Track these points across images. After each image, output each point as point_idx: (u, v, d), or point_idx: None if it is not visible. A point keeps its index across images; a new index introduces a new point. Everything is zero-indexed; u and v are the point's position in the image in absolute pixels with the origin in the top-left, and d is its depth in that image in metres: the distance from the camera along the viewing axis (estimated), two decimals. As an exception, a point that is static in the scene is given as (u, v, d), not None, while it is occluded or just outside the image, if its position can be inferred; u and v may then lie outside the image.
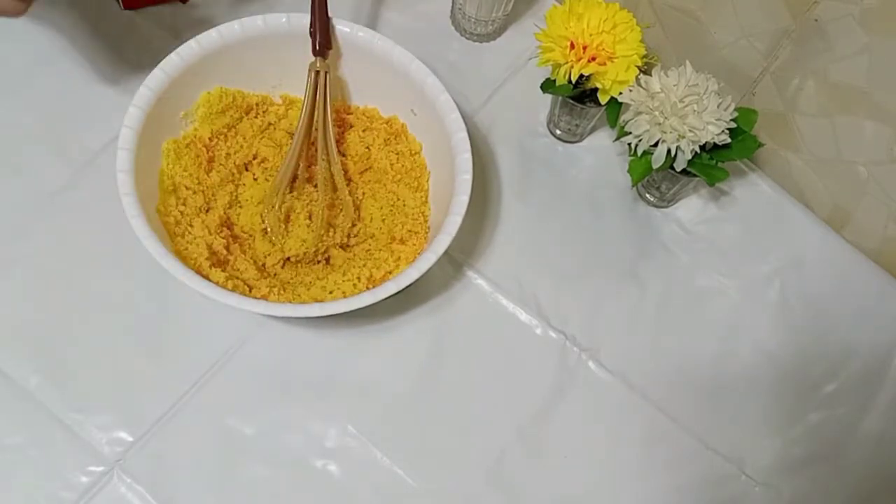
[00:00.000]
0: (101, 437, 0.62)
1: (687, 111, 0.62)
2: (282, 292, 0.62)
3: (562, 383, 0.68)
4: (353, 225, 0.68)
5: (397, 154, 0.70)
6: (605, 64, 0.65)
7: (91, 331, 0.65)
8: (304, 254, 0.65)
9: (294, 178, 0.68)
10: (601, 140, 0.77)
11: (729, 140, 0.64)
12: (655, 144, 0.64)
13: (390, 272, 0.64)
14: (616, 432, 0.68)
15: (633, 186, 0.75)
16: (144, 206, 0.59)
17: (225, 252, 0.64)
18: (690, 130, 0.63)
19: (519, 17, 0.80)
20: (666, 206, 0.75)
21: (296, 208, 0.67)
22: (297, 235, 0.65)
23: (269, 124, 0.70)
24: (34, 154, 0.70)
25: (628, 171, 0.67)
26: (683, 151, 0.64)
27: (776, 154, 0.75)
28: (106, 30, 0.75)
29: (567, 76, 0.66)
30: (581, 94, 0.70)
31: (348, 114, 0.71)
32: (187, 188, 0.65)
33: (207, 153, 0.67)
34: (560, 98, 0.71)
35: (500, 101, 0.77)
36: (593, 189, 0.75)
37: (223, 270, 0.62)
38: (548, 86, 0.69)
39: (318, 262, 0.67)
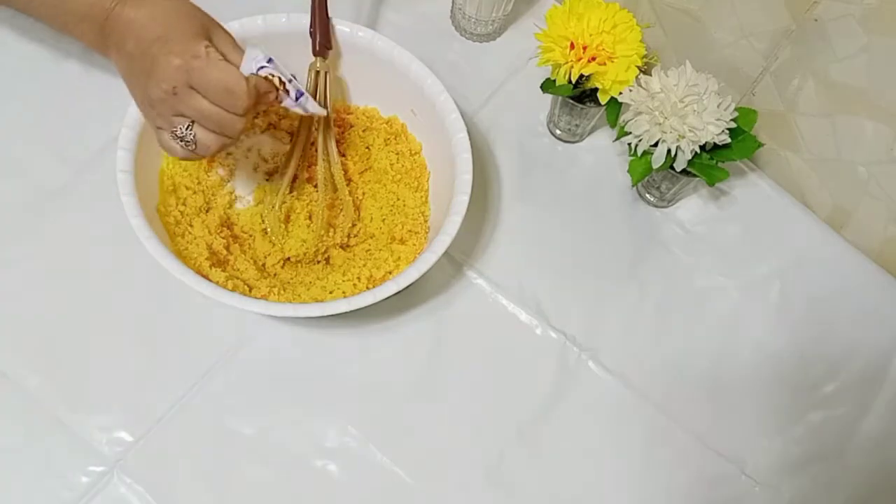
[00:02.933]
0: (101, 437, 0.62)
1: (687, 111, 0.62)
2: (282, 292, 0.62)
3: (562, 383, 0.68)
4: (353, 225, 0.68)
5: (397, 154, 0.70)
6: (605, 64, 0.65)
7: (91, 331, 0.65)
8: (304, 254, 0.65)
9: (294, 178, 0.68)
10: (601, 140, 0.77)
11: (729, 140, 0.64)
12: (655, 144, 0.64)
13: (390, 272, 0.64)
14: (616, 432, 0.68)
15: (633, 186, 0.75)
16: (144, 206, 0.59)
17: (225, 252, 0.64)
18: (690, 130, 0.63)
19: (519, 17, 0.80)
20: (666, 206, 0.75)
21: (296, 208, 0.67)
22: (297, 235, 0.65)
23: (270, 124, 0.70)
24: (34, 154, 0.70)
25: (628, 171, 0.67)
26: (683, 151, 0.64)
27: (776, 154, 0.75)
28: (106, 30, 0.75)
29: (567, 76, 0.66)
30: (581, 94, 0.70)
31: (348, 114, 0.71)
32: (187, 188, 0.65)
33: (207, 153, 0.67)
34: (560, 98, 0.71)
35: (500, 101, 0.77)
36: (593, 189, 0.75)
37: (223, 270, 0.62)
38: (548, 86, 0.69)
39: (318, 262, 0.67)
